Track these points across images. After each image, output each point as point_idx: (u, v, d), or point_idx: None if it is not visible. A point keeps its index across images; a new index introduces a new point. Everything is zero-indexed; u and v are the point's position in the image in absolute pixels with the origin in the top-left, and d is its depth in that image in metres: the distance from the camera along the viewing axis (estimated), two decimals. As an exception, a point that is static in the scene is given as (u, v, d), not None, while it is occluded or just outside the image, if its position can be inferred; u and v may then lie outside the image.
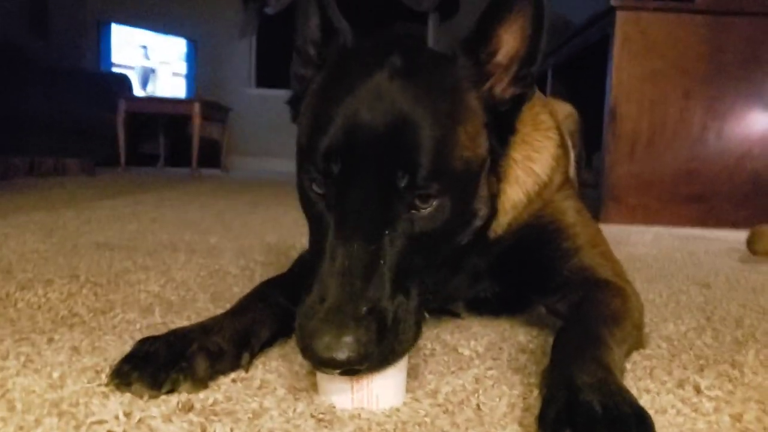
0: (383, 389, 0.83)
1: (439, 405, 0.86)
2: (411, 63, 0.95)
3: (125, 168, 7.23)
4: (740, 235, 2.86)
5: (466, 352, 1.11)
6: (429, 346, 1.14)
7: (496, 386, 0.94)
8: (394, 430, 0.78)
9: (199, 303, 1.38)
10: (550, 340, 1.19)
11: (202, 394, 0.86)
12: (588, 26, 3.87)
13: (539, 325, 1.32)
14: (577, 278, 1.16)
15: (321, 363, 0.78)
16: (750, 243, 2.56)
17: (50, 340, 1.07)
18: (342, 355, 0.76)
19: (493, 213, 1.10)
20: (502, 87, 1.03)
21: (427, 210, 0.90)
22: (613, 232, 3.27)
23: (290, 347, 1.08)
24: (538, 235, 1.17)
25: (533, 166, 1.17)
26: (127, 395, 0.84)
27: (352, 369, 0.78)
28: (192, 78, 9.37)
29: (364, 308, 0.80)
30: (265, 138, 9.71)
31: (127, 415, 0.78)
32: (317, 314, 0.80)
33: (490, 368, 1.03)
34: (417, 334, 0.88)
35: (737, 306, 1.60)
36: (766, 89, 3.56)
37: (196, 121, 7.43)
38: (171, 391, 0.85)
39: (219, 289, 1.53)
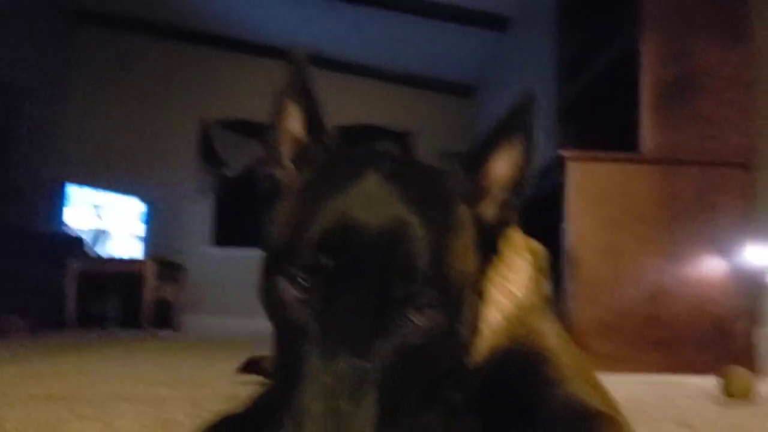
0: None
1: None
2: (404, 169, 0.92)
3: (72, 329, 6.92)
4: (712, 381, 2.78)
5: (445, 495, 0.98)
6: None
7: None
8: None
9: (141, 452, 1.23)
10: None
11: None
12: (543, 174, 3.94)
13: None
14: (565, 410, 1.06)
15: None
16: (723, 386, 2.48)
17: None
18: None
19: (474, 338, 1.01)
20: (491, 211, 1.00)
21: (421, 322, 0.80)
22: (581, 379, 3.16)
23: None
24: (520, 363, 1.07)
25: (510, 286, 1.10)
26: None
27: None
28: (148, 239, 9.28)
29: None
30: (222, 296, 9.50)
31: None
32: None
33: None
34: None
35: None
36: (719, 234, 3.61)
37: (150, 280, 7.26)
38: None
39: (165, 438, 1.38)
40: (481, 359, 1.05)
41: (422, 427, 1.08)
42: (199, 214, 9.95)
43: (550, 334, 1.12)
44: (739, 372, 2.47)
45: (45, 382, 2.27)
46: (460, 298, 0.90)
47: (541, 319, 1.12)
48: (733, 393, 2.44)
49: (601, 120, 4.70)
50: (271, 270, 0.87)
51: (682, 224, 3.61)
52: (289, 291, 0.81)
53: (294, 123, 1.03)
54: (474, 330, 1.00)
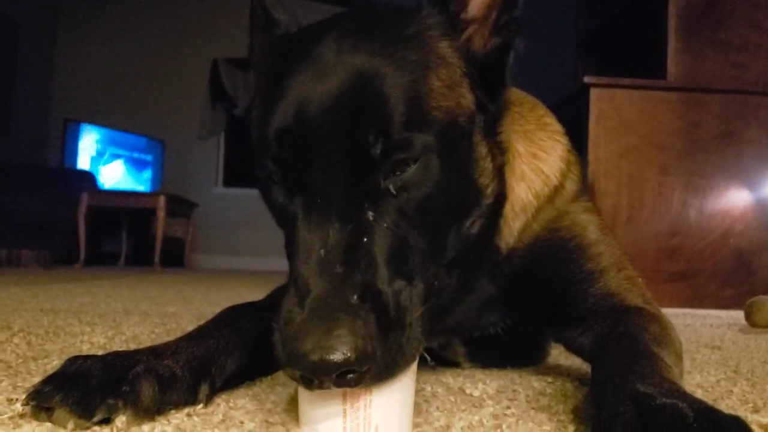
0: (385, 416, 0.64)
1: (456, 438, 0.66)
2: (364, 19, 0.83)
3: (84, 265, 6.89)
4: (733, 314, 2.73)
5: (476, 393, 0.92)
6: (429, 389, 0.95)
7: (521, 422, 0.75)
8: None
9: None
10: (569, 386, 1.01)
11: (146, 427, 0.65)
12: (562, 104, 3.82)
13: (552, 373, 1.13)
14: (603, 306, 0.99)
15: (312, 369, 0.59)
16: (749, 315, 2.41)
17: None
18: (337, 354, 0.58)
19: (502, 198, 0.93)
20: (483, 39, 0.88)
21: (410, 171, 0.73)
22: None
23: (266, 384, 0.88)
24: (556, 253, 1.00)
25: (540, 164, 1.01)
26: (47, 425, 0.63)
27: (352, 374, 0.59)
28: (159, 176, 9.22)
29: (355, 295, 0.63)
30: (231, 236, 9.51)
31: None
32: (298, 315, 0.62)
33: (509, 407, 0.84)
34: (424, 333, 0.70)
35: (761, 363, 1.43)
36: (743, 165, 3.52)
37: (161, 215, 7.20)
38: (105, 422, 0.65)
39: (176, 344, 1.32)
40: (513, 243, 0.97)
41: (457, 317, 1.01)
42: (208, 154, 9.88)
43: (589, 224, 1.03)
44: (765, 302, 2.40)
45: (54, 300, 2.22)
46: (459, 139, 0.82)
47: (579, 207, 1.04)
48: (758, 322, 2.37)
49: (621, 54, 4.55)
50: (256, 167, 0.82)
51: (705, 155, 3.50)
52: (271, 182, 0.78)
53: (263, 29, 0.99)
54: (500, 185, 0.92)
